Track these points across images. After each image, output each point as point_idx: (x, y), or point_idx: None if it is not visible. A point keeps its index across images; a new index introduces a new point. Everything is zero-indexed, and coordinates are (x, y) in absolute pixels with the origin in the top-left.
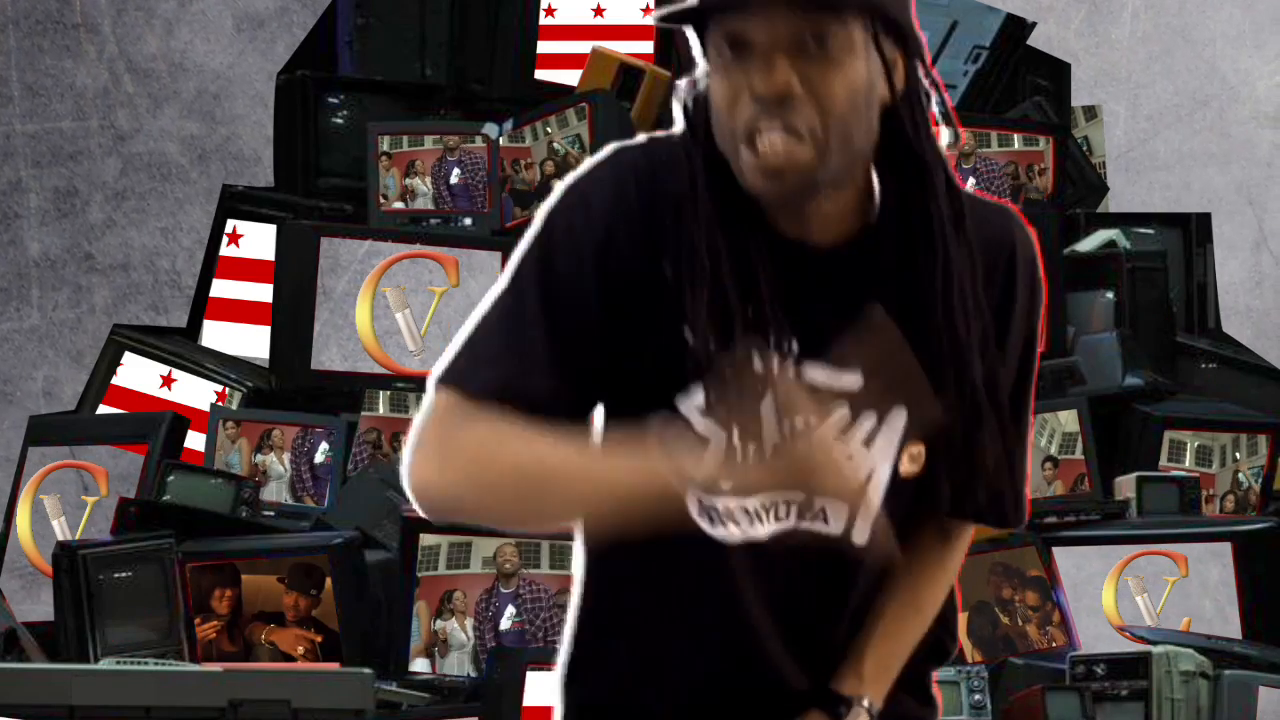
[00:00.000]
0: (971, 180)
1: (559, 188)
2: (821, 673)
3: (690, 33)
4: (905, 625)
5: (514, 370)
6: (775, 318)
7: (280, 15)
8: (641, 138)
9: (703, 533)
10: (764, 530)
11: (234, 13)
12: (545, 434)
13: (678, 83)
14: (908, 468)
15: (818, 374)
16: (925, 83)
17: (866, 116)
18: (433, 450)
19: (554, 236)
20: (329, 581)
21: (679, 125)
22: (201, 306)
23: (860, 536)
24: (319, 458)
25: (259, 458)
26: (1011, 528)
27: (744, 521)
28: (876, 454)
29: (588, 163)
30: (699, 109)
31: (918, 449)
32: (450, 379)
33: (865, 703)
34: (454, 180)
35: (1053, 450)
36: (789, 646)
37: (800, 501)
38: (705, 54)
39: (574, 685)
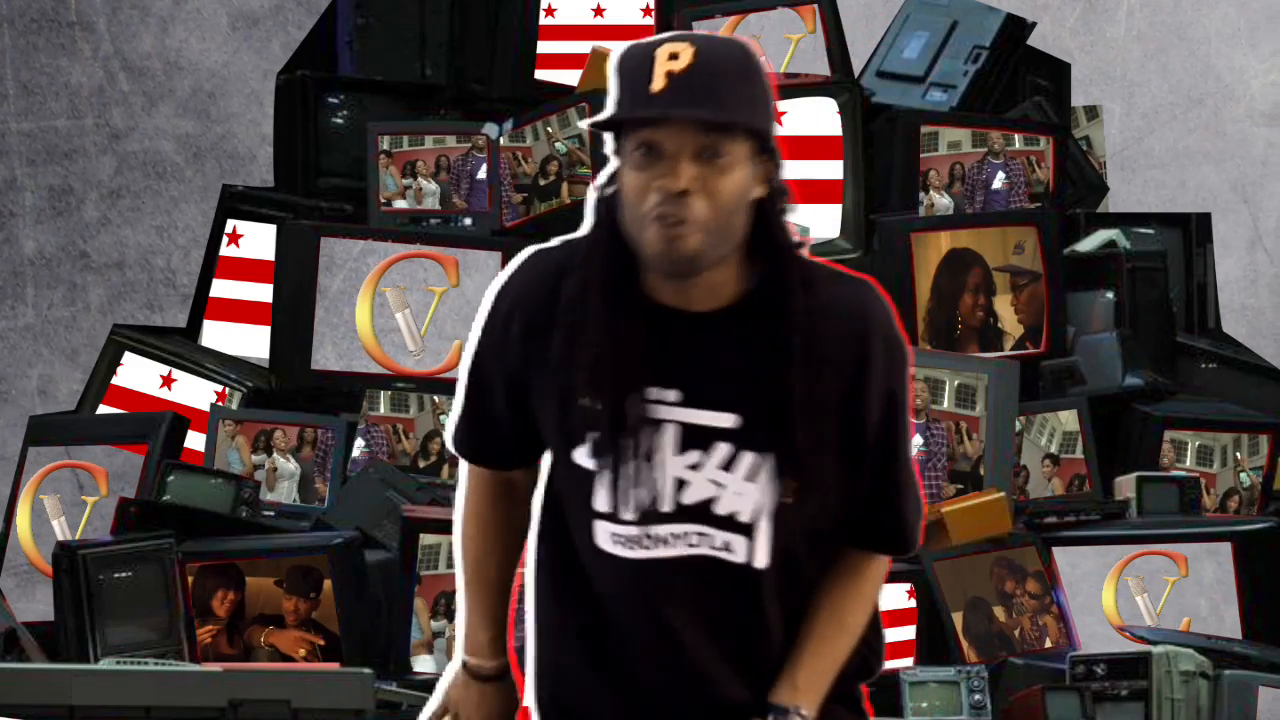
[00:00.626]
0: (1002, 175)
1: (489, 288)
2: (761, 687)
3: (609, 137)
4: (833, 642)
5: (472, 442)
6: (654, 374)
7: (275, 14)
8: (555, 240)
9: (624, 556)
10: (672, 553)
11: (229, 11)
12: (476, 558)
13: (591, 185)
14: (786, 498)
15: (699, 417)
16: (783, 184)
17: (743, 210)
18: (462, 494)
19: (479, 332)
20: (328, 583)
21: (588, 217)
22: (201, 306)
23: (760, 562)
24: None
25: (258, 457)
26: (905, 554)
27: (653, 547)
28: (758, 487)
29: (509, 265)
30: (606, 203)
31: (795, 484)
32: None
33: (802, 711)
34: (479, 176)
35: (1053, 449)
36: (724, 661)
37: (707, 533)
38: (619, 152)
39: (536, 684)
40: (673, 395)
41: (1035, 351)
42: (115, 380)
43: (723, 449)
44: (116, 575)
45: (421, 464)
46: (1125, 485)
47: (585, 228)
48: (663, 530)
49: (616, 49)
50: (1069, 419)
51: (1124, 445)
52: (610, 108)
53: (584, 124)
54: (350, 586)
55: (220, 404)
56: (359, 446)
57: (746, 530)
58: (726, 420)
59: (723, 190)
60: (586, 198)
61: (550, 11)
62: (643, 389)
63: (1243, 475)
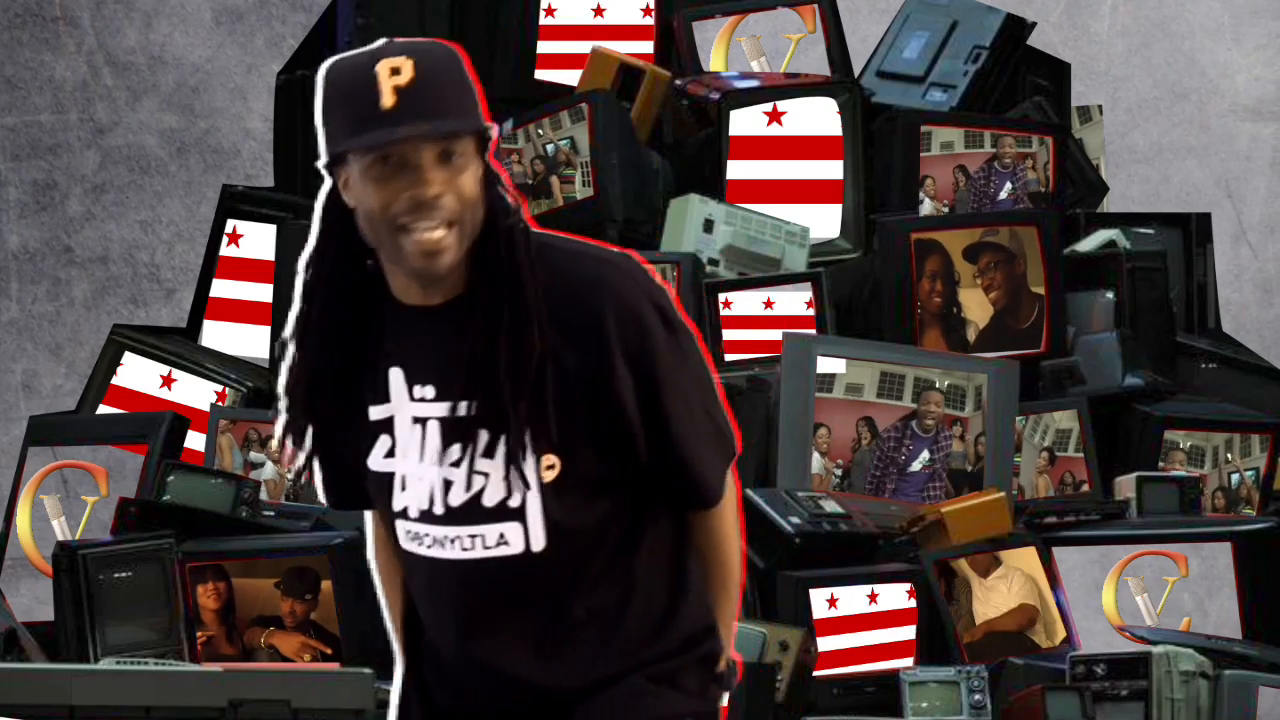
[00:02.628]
0: (1009, 185)
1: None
2: (577, 666)
3: (323, 155)
4: (722, 591)
5: (334, 494)
6: (412, 373)
7: (259, 8)
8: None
9: (419, 554)
10: (452, 555)
11: (213, 6)
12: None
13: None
14: (546, 474)
15: (455, 409)
16: (493, 169)
17: (479, 202)
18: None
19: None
20: (326, 584)
21: (315, 236)
22: (201, 306)
23: (538, 545)
24: None
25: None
26: (711, 507)
27: (434, 547)
28: (496, 462)
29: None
30: (334, 216)
31: (552, 459)
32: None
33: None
34: None
35: (1048, 443)
36: (529, 649)
37: (482, 533)
38: (336, 168)
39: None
40: (430, 391)
41: (1035, 351)
42: (115, 380)
43: (484, 437)
44: (116, 575)
45: None
46: (1125, 485)
47: (313, 245)
48: (438, 532)
49: (332, 64)
50: (1069, 419)
51: (1124, 445)
52: (343, 131)
53: (320, 163)
54: (350, 586)
55: (220, 404)
56: None
57: (518, 515)
58: (471, 409)
59: (465, 187)
60: (577, 197)
61: (550, 11)
62: (410, 387)
63: (1233, 476)
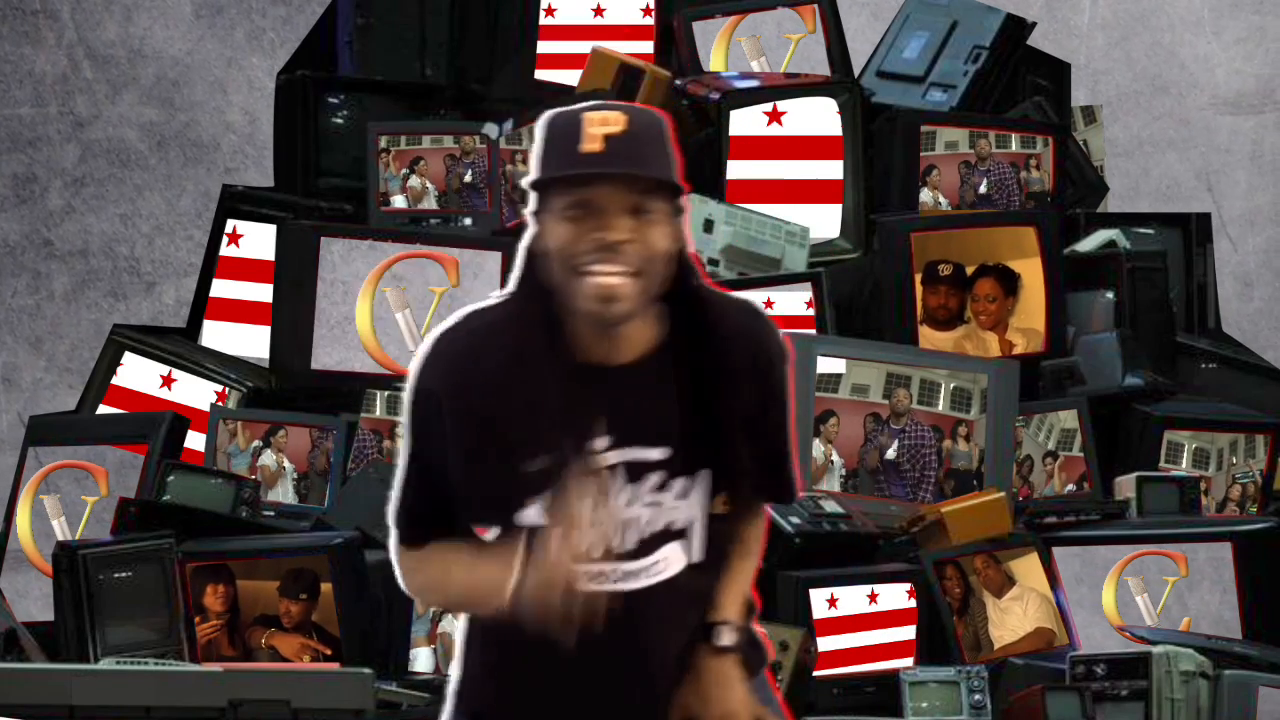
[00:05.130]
0: (985, 182)
1: (411, 370)
2: (661, 687)
3: (532, 199)
4: (743, 567)
5: (413, 523)
6: (590, 429)
7: (239, 2)
8: (461, 314)
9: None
10: (633, 586)
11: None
12: (442, 557)
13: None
14: (720, 509)
15: (628, 455)
16: (684, 237)
17: (667, 261)
18: (402, 576)
19: (411, 413)
20: (325, 584)
21: (514, 279)
22: (201, 306)
23: (696, 557)
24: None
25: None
26: (788, 501)
27: (620, 580)
28: (690, 505)
29: (420, 349)
30: (531, 265)
31: (725, 496)
32: (393, 526)
33: (729, 623)
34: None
35: (1050, 445)
36: (679, 660)
37: (648, 561)
38: (541, 212)
39: (462, 699)
40: (603, 444)
41: (1035, 351)
42: (115, 380)
43: (657, 475)
44: (116, 575)
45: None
46: (1125, 485)
47: (510, 287)
48: (620, 568)
49: (551, 114)
50: (1069, 419)
51: (1124, 445)
52: (546, 167)
53: (524, 182)
54: (350, 587)
55: (220, 404)
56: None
57: (682, 534)
58: (655, 454)
59: (653, 241)
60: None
61: (550, 11)
62: (587, 444)
63: (1239, 476)
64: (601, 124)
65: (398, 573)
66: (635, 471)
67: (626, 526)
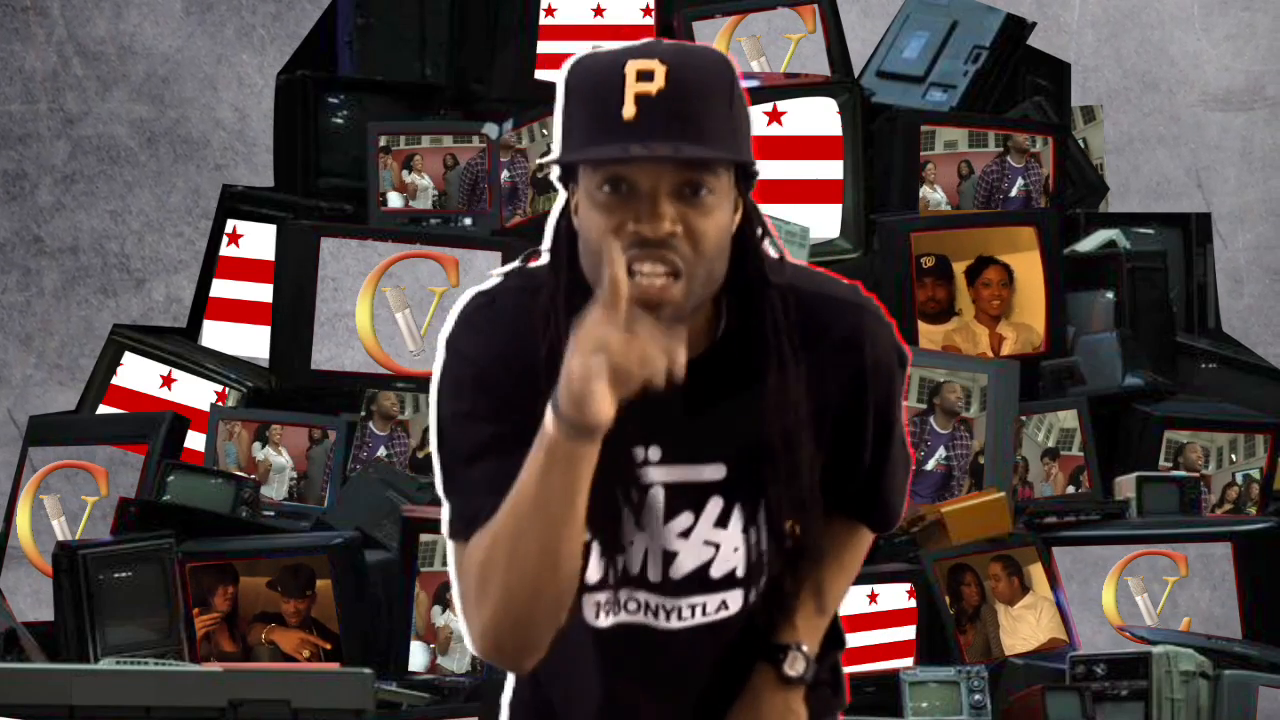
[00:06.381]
0: (1020, 181)
1: (440, 348)
2: None
3: (555, 167)
4: (833, 581)
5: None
6: (635, 433)
7: None
8: (492, 281)
9: (581, 620)
10: (666, 625)
11: None
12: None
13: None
14: (788, 543)
15: (685, 474)
16: (756, 208)
17: (726, 251)
18: (470, 602)
19: (452, 394)
20: (321, 580)
21: (544, 254)
22: (201, 306)
23: (754, 599)
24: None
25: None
26: (886, 531)
27: (646, 615)
28: (753, 533)
29: (453, 315)
30: (562, 239)
31: (794, 522)
32: (453, 535)
33: (803, 648)
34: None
35: (1050, 443)
36: (727, 689)
37: (697, 602)
38: (572, 185)
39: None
40: (655, 453)
41: (1035, 351)
42: (115, 380)
43: (715, 504)
44: (116, 575)
45: (420, 455)
46: (1125, 485)
47: (543, 261)
48: (653, 600)
49: (578, 59)
50: (1069, 419)
51: (1124, 445)
52: (569, 138)
53: (542, 160)
54: (350, 586)
55: (220, 404)
56: (380, 452)
57: (743, 582)
58: (714, 473)
59: (707, 233)
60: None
61: (550, 11)
62: (628, 450)
63: (1240, 476)
64: (639, 80)
65: (464, 604)
66: (688, 495)
67: (664, 564)
